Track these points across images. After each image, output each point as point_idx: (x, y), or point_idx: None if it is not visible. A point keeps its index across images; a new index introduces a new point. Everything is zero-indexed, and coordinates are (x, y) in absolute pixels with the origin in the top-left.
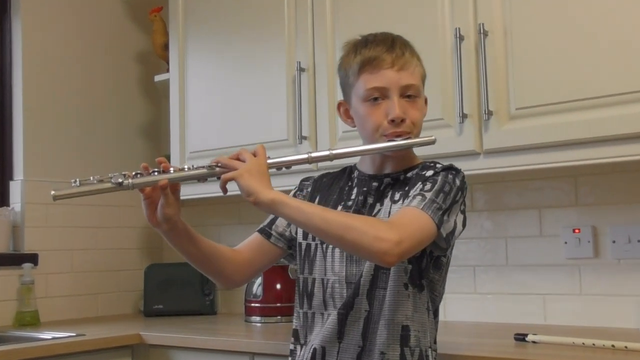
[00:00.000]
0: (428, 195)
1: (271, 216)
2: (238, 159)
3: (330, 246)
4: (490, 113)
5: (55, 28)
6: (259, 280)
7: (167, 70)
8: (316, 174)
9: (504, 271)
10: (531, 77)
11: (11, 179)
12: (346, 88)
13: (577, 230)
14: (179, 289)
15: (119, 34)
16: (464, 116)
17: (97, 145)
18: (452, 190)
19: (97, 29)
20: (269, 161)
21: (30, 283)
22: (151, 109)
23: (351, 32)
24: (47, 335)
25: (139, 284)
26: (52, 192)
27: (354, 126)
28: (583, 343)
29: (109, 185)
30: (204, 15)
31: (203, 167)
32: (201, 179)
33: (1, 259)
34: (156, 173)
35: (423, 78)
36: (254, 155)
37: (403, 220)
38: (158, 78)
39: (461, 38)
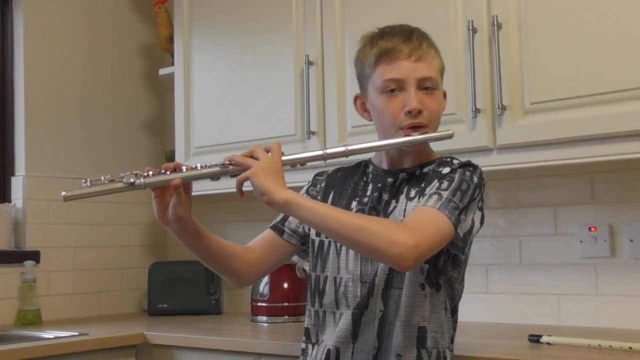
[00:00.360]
0: (445, 194)
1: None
2: (252, 157)
3: None
4: (503, 108)
5: (58, 21)
6: (266, 279)
7: (172, 64)
8: (329, 169)
9: (517, 270)
10: (546, 70)
11: (13, 174)
12: (363, 80)
13: (593, 229)
14: (183, 287)
15: (122, 26)
16: (476, 111)
17: (100, 140)
18: (470, 188)
19: (100, 22)
20: (283, 158)
21: (32, 281)
22: (155, 103)
23: (361, 24)
24: (49, 334)
25: (142, 283)
26: (63, 193)
27: (371, 120)
28: (599, 345)
29: (120, 185)
30: (210, 6)
31: (216, 165)
32: (214, 177)
33: (2, 257)
34: (168, 172)
35: (442, 70)
36: (268, 152)
37: (419, 222)
38: (162, 71)
39: (474, 30)
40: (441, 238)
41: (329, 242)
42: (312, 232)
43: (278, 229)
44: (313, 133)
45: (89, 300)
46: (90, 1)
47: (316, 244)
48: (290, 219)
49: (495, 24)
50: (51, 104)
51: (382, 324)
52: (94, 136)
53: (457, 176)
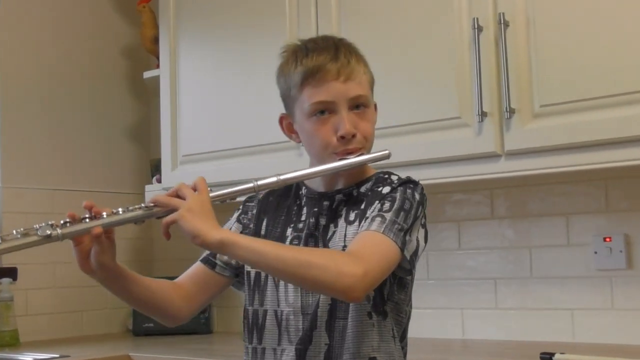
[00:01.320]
0: (388, 215)
1: None
2: (177, 196)
3: None
4: (512, 111)
5: (33, 22)
6: None
7: (157, 66)
8: (260, 194)
9: (528, 284)
10: (557, 71)
11: None
12: (288, 101)
13: (608, 239)
14: None
15: (103, 27)
16: (483, 114)
17: (81, 148)
18: (413, 207)
19: (79, 23)
20: (211, 194)
21: (9, 300)
22: (140, 108)
23: (360, 23)
24: (28, 357)
25: None
26: None
27: (299, 142)
28: None
29: (35, 239)
30: (198, 4)
31: (139, 207)
32: (138, 221)
33: None
34: (87, 219)
35: (371, 84)
36: (194, 189)
37: (365, 249)
38: (147, 75)
39: (479, 29)
40: (388, 264)
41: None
42: None
43: (209, 262)
44: None
45: (70, 320)
46: (70, 3)
47: (252, 275)
48: None
49: (502, 22)
50: (27, 110)
51: (329, 358)
52: (74, 145)
53: (398, 195)
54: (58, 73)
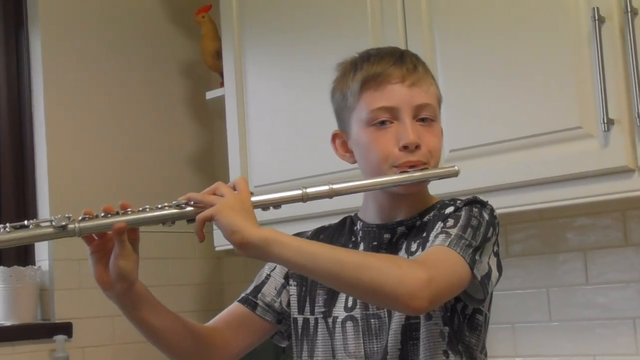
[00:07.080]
0: (453, 231)
1: (254, 283)
2: (214, 195)
3: (340, 320)
4: None
5: (82, 41)
6: None
7: (221, 85)
8: (308, 231)
9: None
10: None
11: None
12: (344, 113)
13: None
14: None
15: (159, 42)
16: (609, 122)
17: (138, 181)
18: (482, 225)
19: (132, 38)
20: (252, 199)
21: (64, 359)
22: (203, 133)
23: (455, 19)
24: None
25: None
26: None
27: (354, 162)
28: None
29: (49, 230)
30: (265, 10)
31: (170, 205)
32: (167, 221)
33: (28, 331)
34: (109, 216)
35: (439, 101)
36: (234, 189)
37: (431, 257)
38: (210, 95)
39: (601, 20)
40: (457, 276)
41: (316, 319)
42: (293, 309)
43: (250, 303)
44: None
45: None
46: (120, 16)
47: (299, 323)
48: (265, 290)
49: (629, 9)
50: (78, 141)
51: None
52: (130, 177)
53: (463, 213)
54: (110, 98)
